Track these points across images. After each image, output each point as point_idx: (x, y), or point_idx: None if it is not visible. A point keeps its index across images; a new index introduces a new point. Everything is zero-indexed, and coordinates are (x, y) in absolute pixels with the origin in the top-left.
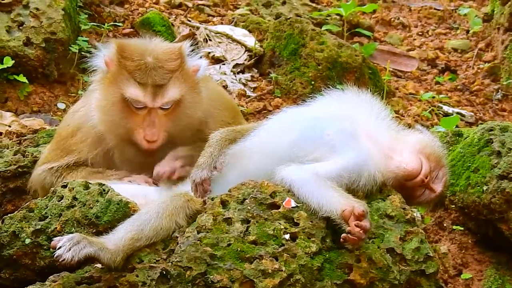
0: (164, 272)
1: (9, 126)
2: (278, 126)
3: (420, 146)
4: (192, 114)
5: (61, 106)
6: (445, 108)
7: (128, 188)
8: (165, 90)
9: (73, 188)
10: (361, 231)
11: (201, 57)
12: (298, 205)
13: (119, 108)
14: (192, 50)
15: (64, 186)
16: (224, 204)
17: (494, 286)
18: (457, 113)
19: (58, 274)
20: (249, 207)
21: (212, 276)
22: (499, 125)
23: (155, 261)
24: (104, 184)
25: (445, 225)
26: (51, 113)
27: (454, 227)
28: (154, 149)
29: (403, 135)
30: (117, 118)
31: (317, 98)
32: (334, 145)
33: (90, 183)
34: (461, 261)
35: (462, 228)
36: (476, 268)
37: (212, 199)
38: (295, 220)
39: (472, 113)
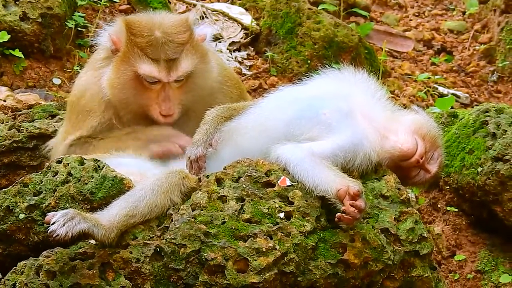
0: (158, 249)
1: (4, 101)
2: (274, 105)
3: (415, 127)
4: (204, 84)
5: (57, 81)
6: (441, 89)
7: (123, 164)
8: (178, 64)
9: (68, 164)
10: (356, 211)
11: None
12: (293, 183)
13: (132, 85)
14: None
15: (59, 162)
16: (219, 182)
17: (488, 268)
18: (453, 94)
19: (51, 250)
20: (244, 185)
21: (206, 254)
22: (494, 107)
23: (149, 238)
24: (99, 160)
25: (439, 206)
26: (47, 88)
27: (448, 208)
28: (170, 122)
29: (399, 115)
30: (131, 95)
31: (313, 77)
32: (330, 124)
33: (85, 159)
34: (455, 243)
35: (456, 210)
36: (469, 250)
37: (207, 176)
38: (290, 199)
39: (467, 95)
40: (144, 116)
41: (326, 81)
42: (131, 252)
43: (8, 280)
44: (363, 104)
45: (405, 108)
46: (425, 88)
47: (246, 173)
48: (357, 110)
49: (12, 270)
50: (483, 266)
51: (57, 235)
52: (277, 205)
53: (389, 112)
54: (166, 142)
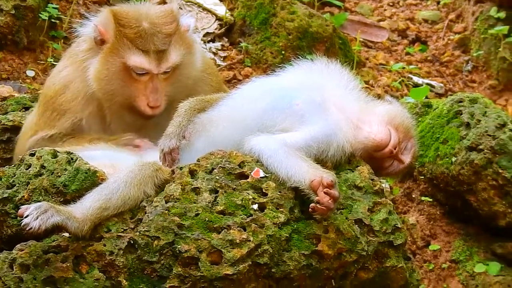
0: (132, 242)
1: None
2: (247, 96)
3: (389, 117)
4: (189, 74)
5: (30, 73)
6: (415, 79)
7: (96, 157)
8: (168, 55)
9: (41, 157)
10: (330, 201)
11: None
12: (267, 175)
13: (120, 76)
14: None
15: (32, 154)
16: (192, 173)
17: (462, 257)
18: (427, 84)
19: (25, 243)
20: (217, 177)
21: (179, 246)
22: (468, 97)
23: (122, 230)
24: (72, 153)
25: (413, 196)
26: (20, 80)
27: (423, 198)
28: (156, 114)
29: (372, 106)
30: (119, 87)
31: (286, 68)
32: (303, 115)
33: (58, 151)
34: (430, 232)
35: (430, 200)
36: (444, 240)
37: (181, 168)
38: (264, 190)
39: (442, 84)
40: (130, 107)
41: (299, 72)
42: (104, 245)
43: None
44: (336, 95)
45: (379, 98)
46: (399, 78)
47: (220, 165)
48: (330, 101)
49: None
50: (458, 256)
51: (31, 228)
52: (250, 197)
53: (362, 102)
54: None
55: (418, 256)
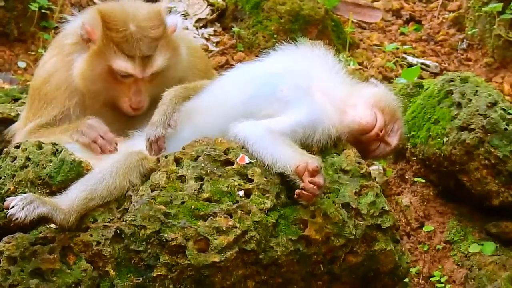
0: (118, 231)
1: None
2: (231, 83)
3: (374, 100)
4: (174, 75)
5: (22, 64)
6: (410, 58)
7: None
8: (153, 60)
9: (26, 149)
10: (315, 187)
11: (175, 14)
12: (252, 161)
13: (104, 78)
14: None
15: (17, 147)
16: (177, 161)
17: (456, 238)
18: (422, 63)
19: (12, 235)
20: (202, 164)
21: (166, 235)
22: (459, 76)
23: (109, 220)
24: (57, 144)
25: (406, 177)
26: (12, 72)
27: (416, 179)
28: (139, 114)
29: (357, 89)
30: (102, 87)
31: (270, 53)
32: (288, 101)
33: (43, 143)
34: (423, 213)
35: (423, 180)
36: (438, 220)
37: (166, 157)
38: (249, 177)
39: (437, 64)
40: (113, 105)
41: (283, 57)
42: (91, 235)
43: None
44: (321, 79)
45: (374, 79)
46: (394, 58)
47: (205, 152)
48: (315, 85)
49: None
50: (452, 237)
51: (17, 218)
52: (236, 183)
53: (347, 86)
54: (89, 132)
55: (413, 238)
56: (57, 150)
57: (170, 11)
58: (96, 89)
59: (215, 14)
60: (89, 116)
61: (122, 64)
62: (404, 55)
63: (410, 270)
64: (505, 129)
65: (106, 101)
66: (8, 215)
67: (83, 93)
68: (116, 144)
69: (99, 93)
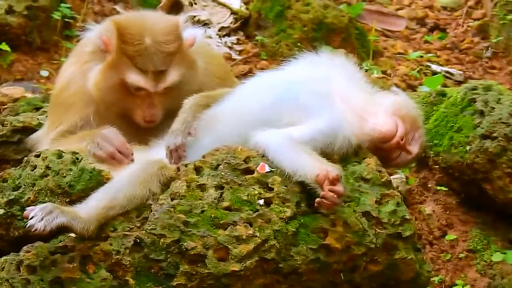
0: (138, 240)
1: None
2: (251, 91)
3: (395, 108)
4: (190, 89)
5: (44, 73)
6: (434, 67)
7: None
8: (167, 75)
9: (46, 157)
10: (335, 196)
11: (196, 26)
12: (273, 170)
13: (118, 89)
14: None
15: (37, 156)
16: (197, 170)
17: (479, 247)
18: (446, 71)
19: (32, 244)
20: (223, 173)
21: (186, 243)
22: (482, 84)
23: (129, 229)
24: (77, 153)
25: (429, 186)
26: (35, 80)
27: (438, 187)
28: (152, 126)
29: (378, 97)
30: (116, 99)
31: (291, 62)
32: (309, 109)
33: (63, 152)
34: (446, 222)
35: (446, 189)
36: (460, 229)
37: (186, 165)
38: (270, 185)
39: (462, 72)
40: (126, 116)
41: (303, 65)
42: (111, 244)
43: None
44: (341, 87)
45: (397, 87)
46: (418, 66)
47: (225, 161)
48: (336, 93)
49: None
50: (475, 245)
51: (36, 229)
52: (256, 192)
53: (368, 94)
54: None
55: (435, 246)
56: (77, 159)
57: (193, 20)
58: (110, 101)
59: (238, 23)
60: (106, 126)
61: (135, 78)
62: (428, 64)
63: (432, 279)
64: None
65: (120, 112)
66: (27, 225)
67: (99, 103)
68: (133, 155)
69: (113, 105)
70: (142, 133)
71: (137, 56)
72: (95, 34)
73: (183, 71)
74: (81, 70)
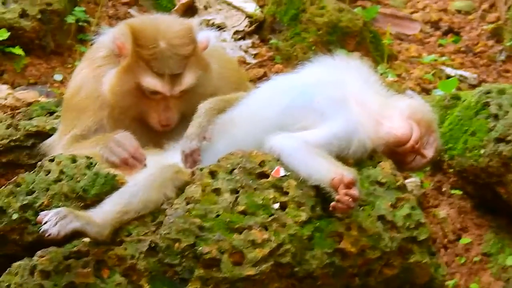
0: (153, 245)
1: (5, 99)
2: (266, 94)
3: (410, 112)
4: (204, 92)
5: (58, 77)
6: (448, 70)
7: None
8: (182, 78)
9: (60, 162)
10: (350, 200)
11: (209, 29)
12: (287, 174)
13: (134, 93)
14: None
15: (51, 160)
16: (212, 174)
17: (494, 250)
18: (460, 75)
19: (45, 249)
20: (238, 177)
21: (201, 248)
22: (496, 88)
23: (143, 233)
24: (91, 157)
25: (444, 189)
26: (48, 84)
27: (453, 191)
28: (168, 130)
29: (393, 100)
30: (132, 103)
31: (305, 65)
32: (324, 112)
33: (77, 156)
34: (460, 226)
35: (460, 192)
36: (475, 233)
37: (201, 169)
38: (285, 189)
39: (476, 75)
40: (141, 120)
41: (318, 68)
42: (125, 249)
43: (3, 281)
44: (356, 90)
45: (410, 91)
46: (432, 70)
47: (240, 165)
48: (351, 96)
49: (7, 271)
50: (489, 249)
51: (50, 234)
52: (271, 196)
53: (383, 97)
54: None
55: (450, 250)
56: (91, 163)
57: (207, 24)
58: (125, 105)
59: (253, 26)
60: (119, 130)
61: (151, 82)
62: (443, 67)
63: (447, 283)
64: None
65: (136, 116)
66: (41, 231)
67: (113, 107)
68: (146, 160)
69: (128, 109)
70: (157, 136)
71: (152, 60)
72: (109, 38)
73: (198, 74)
74: (94, 74)
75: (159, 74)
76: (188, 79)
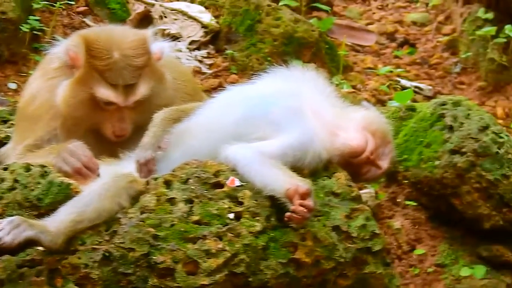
0: (107, 254)
1: None
2: (222, 105)
3: (365, 123)
4: (159, 102)
5: (12, 86)
6: (403, 82)
7: None
8: (136, 88)
9: (14, 170)
10: (305, 210)
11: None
12: (243, 184)
13: (87, 104)
14: (154, 35)
15: (5, 169)
16: (167, 184)
17: (448, 261)
18: (416, 87)
19: None
20: (192, 187)
21: (155, 257)
22: (451, 100)
23: (97, 242)
24: (45, 166)
25: (398, 200)
26: (2, 93)
27: (407, 202)
28: (122, 140)
29: (349, 111)
30: (85, 114)
31: (262, 76)
32: (279, 123)
33: (32, 165)
34: (415, 237)
35: (415, 204)
36: (429, 244)
37: (155, 179)
38: (239, 199)
39: (431, 87)
40: (95, 131)
41: (274, 79)
42: (79, 258)
43: None
44: (312, 101)
45: (366, 102)
46: (387, 81)
47: (195, 175)
48: (306, 107)
49: None
50: (443, 260)
51: (3, 243)
52: (226, 206)
53: (338, 109)
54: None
55: (404, 261)
56: (46, 172)
57: (163, 34)
58: (79, 115)
59: (208, 36)
60: (72, 140)
61: (104, 92)
62: (398, 78)
63: None
64: (497, 152)
65: (90, 127)
66: None
67: (67, 118)
68: (99, 170)
69: (83, 119)
70: (111, 147)
71: (106, 70)
72: (62, 49)
73: (152, 85)
74: (48, 84)
75: (112, 85)
76: (142, 90)
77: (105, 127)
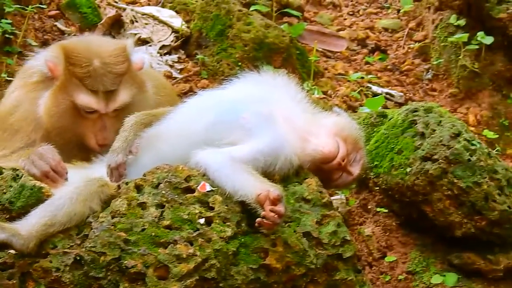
0: (78, 258)
1: None
2: (193, 110)
3: (337, 129)
4: (140, 110)
5: None
6: (374, 88)
7: None
8: (117, 95)
9: None
10: (276, 216)
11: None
12: (214, 189)
13: (69, 113)
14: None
15: None
16: (138, 188)
17: (419, 268)
18: (387, 93)
19: None
20: (163, 192)
21: (126, 262)
22: (423, 106)
23: (69, 246)
24: (17, 169)
25: (369, 207)
26: None
27: (378, 209)
28: (105, 150)
29: (320, 117)
30: (68, 124)
31: (233, 81)
32: (250, 128)
33: (4, 168)
34: (386, 244)
35: (386, 211)
36: (400, 251)
37: (127, 183)
38: (210, 204)
39: (402, 93)
40: (77, 142)
41: (245, 84)
42: (51, 261)
43: None
44: (283, 107)
45: (337, 108)
46: (358, 87)
47: (166, 179)
48: (278, 113)
49: None
50: (414, 267)
51: None
52: (197, 211)
53: (309, 114)
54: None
55: (375, 268)
56: (17, 175)
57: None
58: (61, 126)
59: (179, 41)
60: (42, 144)
61: (85, 99)
62: (369, 85)
63: None
64: (469, 160)
65: (72, 138)
66: None
67: (49, 130)
68: (67, 174)
69: (65, 130)
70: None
71: (86, 77)
72: (41, 61)
73: (133, 92)
74: (29, 96)
75: (93, 91)
76: (123, 96)
77: (88, 137)
